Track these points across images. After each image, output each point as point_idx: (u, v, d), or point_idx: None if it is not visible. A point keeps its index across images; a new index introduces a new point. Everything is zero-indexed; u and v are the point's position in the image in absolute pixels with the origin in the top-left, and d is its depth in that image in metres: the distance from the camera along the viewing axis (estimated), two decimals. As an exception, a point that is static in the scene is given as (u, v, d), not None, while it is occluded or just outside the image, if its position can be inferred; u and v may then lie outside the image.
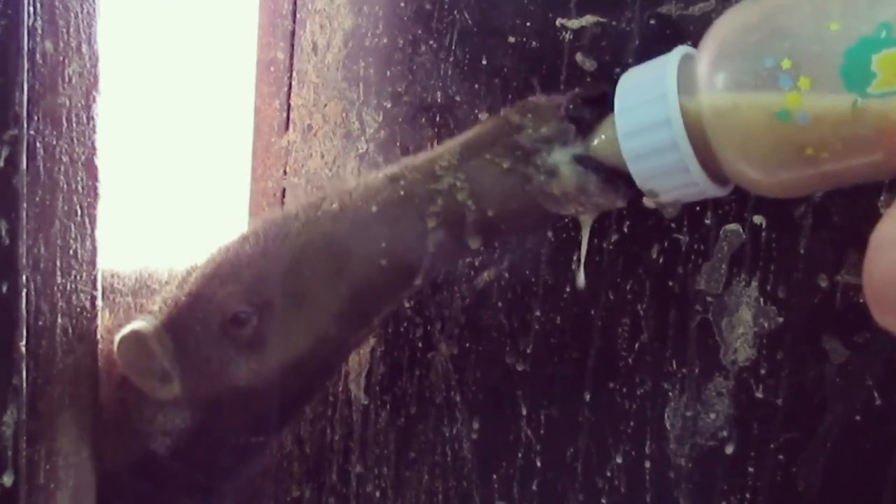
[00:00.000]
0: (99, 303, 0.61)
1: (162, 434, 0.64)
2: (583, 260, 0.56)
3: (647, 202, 0.47)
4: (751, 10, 0.37)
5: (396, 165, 0.57)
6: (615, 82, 0.46)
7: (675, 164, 0.41)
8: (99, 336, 0.62)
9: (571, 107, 0.49)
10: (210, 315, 0.61)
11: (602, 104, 0.46)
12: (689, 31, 0.61)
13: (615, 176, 0.47)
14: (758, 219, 0.61)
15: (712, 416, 0.64)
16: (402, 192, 0.54)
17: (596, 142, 0.47)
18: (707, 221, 0.62)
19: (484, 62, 0.70)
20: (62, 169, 0.56)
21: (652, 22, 0.62)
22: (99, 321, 0.61)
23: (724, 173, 0.41)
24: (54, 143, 0.55)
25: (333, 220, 0.57)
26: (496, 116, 0.54)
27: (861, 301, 0.57)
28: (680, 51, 0.43)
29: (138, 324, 0.62)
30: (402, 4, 0.74)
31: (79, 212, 0.57)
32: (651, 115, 0.41)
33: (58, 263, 0.56)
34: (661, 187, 0.44)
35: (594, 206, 0.50)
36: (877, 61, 0.32)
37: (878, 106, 0.32)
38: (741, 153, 0.38)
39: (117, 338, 0.61)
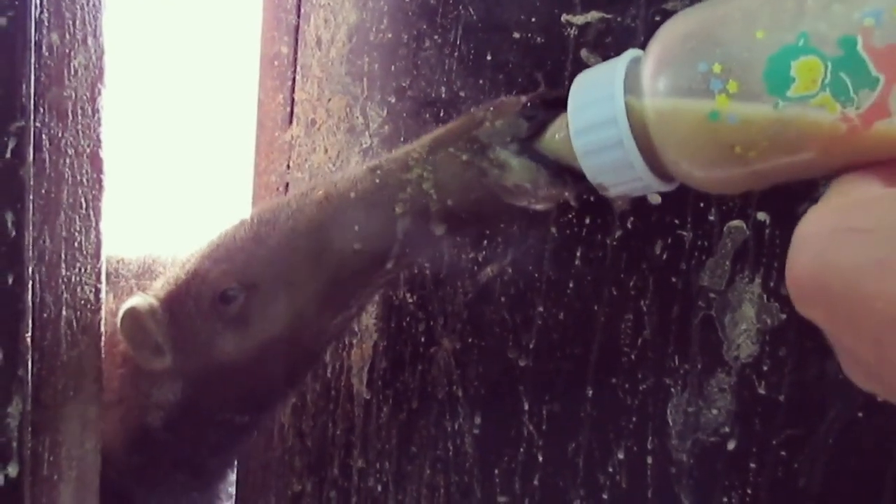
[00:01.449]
0: (103, 295, 0.61)
1: (156, 407, 0.69)
2: None
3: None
4: (689, 18, 0.41)
5: (379, 158, 0.61)
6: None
7: (621, 160, 0.44)
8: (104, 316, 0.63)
9: (529, 105, 0.52)
10: (203, 292, 0.65)
11: (560, 106, 0.49)
12: (694, 27, 0.61)
13: (563, 171, 0.51)
14: (762, 215, 0.61)
15: (714, 412, 0.64)
16: (377, 181, 0.58)
17: (556, 138, 0.50)
18: (711, 218, 0.63)
19: (489, 58, 0.70)
20: (67, 161, 0.56)
21: (657, 18, 0.62)
22: (103, 312, 0.62)
23: (668, 170, 0.43)
24: (60, 135, 0.55)
25: (318, 207, 0.61)
26: (467, 113, 0.57)
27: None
28: (629, 54, 0.45)
29: (136, 299, 0.66)
30: (407, -1, 0.74)
31: (84, 204, 0.58)
32: (599, 113, 0.44)
33: (63, 255, 0.56)
34: (610, 182, 0.46)
35: (545, 198, 0.53)
36: (795, 67, 0.35)
37: (796, 109, 0.35)
38: (680, 152, 0.40)
39: (120, 311, 0.66)
